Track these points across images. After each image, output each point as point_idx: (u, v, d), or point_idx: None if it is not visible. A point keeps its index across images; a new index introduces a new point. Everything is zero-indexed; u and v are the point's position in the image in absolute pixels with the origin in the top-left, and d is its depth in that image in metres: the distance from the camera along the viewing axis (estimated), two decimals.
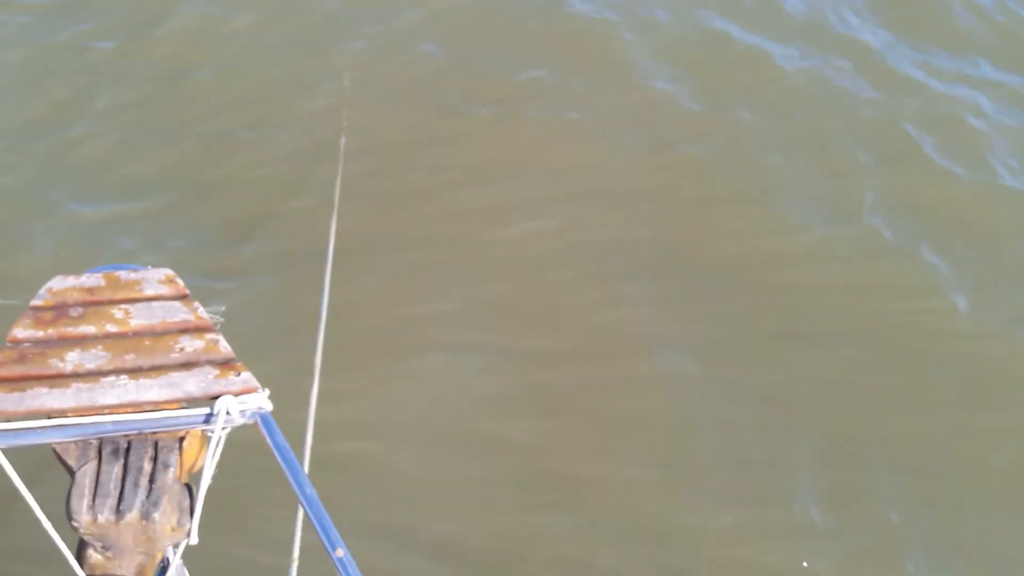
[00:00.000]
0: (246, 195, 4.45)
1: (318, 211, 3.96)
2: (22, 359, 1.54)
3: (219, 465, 1.51)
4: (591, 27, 5.21)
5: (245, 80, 5.04)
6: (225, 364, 1.56)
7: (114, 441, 1.50)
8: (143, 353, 1.56)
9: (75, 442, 1.49)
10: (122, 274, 1.67)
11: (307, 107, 4.89)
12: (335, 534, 1.41)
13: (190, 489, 1.51)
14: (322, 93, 4.91)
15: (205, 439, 1.55)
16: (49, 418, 1.49)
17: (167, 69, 5.08)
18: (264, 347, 3.72)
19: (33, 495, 1.47)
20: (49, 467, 1.55)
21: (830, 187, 4.38)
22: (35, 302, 1.62)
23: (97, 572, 1.50)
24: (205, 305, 1.63)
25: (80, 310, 1.61)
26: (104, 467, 1.47)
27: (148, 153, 4.62)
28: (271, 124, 4.78)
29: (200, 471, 1.52)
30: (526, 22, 5.30)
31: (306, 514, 1.47)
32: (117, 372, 1.53)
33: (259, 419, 1.51)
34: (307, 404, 2.33)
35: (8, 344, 1.56)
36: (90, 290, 1.64)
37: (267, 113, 4.85)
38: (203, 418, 1.50)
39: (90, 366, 1.54)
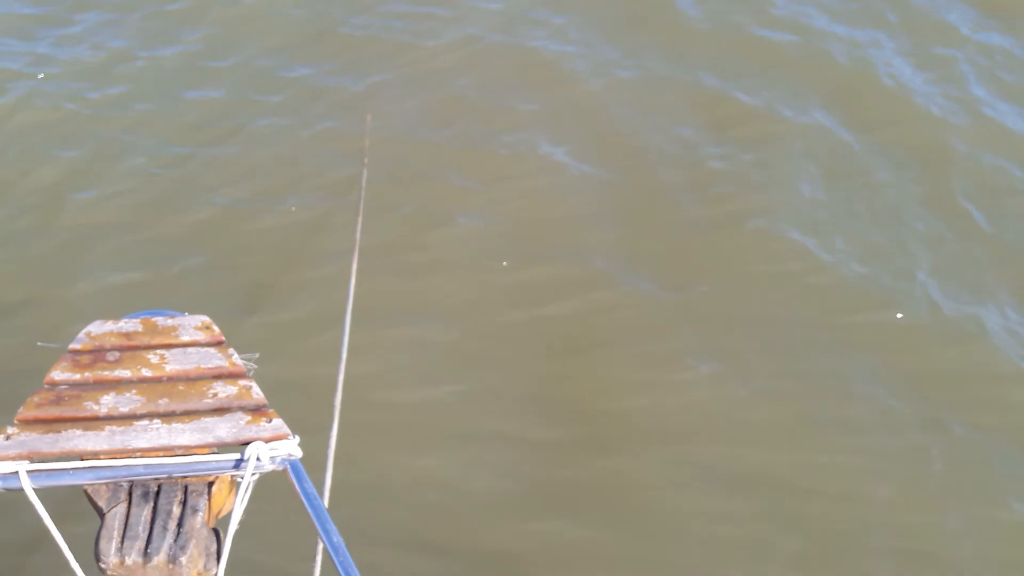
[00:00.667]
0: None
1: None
2: (58, 401, 1.57)
3: (246, 510, 1.53)
4: None
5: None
6: (257, 410, 1.59)
7: (144, 484, 1.53)
8: (176, 398, 1.59)
9: (106, 484, 1.52)
10: (159, 320, 1.71)
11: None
12: None
13: (218, 534, 1.53)
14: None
15: (234, 484, 1.57)
16: (82, 459, 1.52)
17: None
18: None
19: (62, 535, 1.50)
20: (79, 507, 1.57)
21: None
22: (74, 345, 1.66)
23: None
24: (240, 352, 1.66)
25: (117, 354, 1.65)
26: (134, 509, 1.50)
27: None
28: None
29: (228, 516, 1.54)
30: None
31: (329, 561, 1.48)
32: (150, 416, 1.57)
33: (288, 466, 1.54)
34: (327, 447, 2.35)
35: (45, 386, 1.60)
36: (128, 335, 1.69)
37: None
38: (233, 463, 1.53)
39: (124, 409, 1.57)
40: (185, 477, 1.53)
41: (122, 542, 1.46)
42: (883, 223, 4.36)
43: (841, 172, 4.63)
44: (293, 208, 4.55)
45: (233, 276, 4.22)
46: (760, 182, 4.58)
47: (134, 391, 1.60)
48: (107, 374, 1.62)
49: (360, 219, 3.83)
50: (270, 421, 1.57)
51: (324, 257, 4.28)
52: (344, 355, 2.83)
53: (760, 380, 3.76)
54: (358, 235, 3.71)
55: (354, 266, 3.37)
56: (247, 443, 1.54)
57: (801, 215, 4.40)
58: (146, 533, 1.47)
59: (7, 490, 1.48)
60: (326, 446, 2.34)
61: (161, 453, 1.53)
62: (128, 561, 1.45)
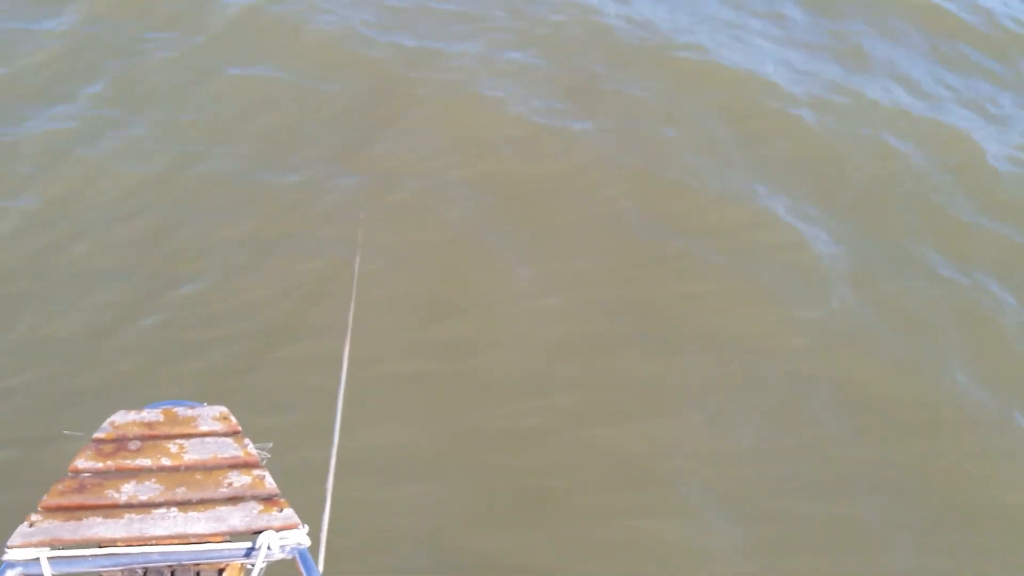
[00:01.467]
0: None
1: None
2: (81, 489, 1.66)
3: None
4: None
5: None
6: (269, 500, 1.68)
7: (159, 570, 1.60)
8: (193, 487, 1.68)
9: (122, 570, 1.60)
10: (180, 410, 1.81)
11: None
12: None
13: None
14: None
15: (244, 570, 1.65)
16: (100, 546, 1.60)
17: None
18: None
19: None
20: None
21: None
22: (98, 434, 1.76)
23: None
24: (254, 441, 1.76)
25: (138, 443, 1.74)
26: None
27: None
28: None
29: None
30: None
31: None
32: (168, 504, 1.65)
33: (297, 555, 1.62)
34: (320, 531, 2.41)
35: (69, 474, 1.69)
36: (149, 424, 1.78)
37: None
38: (244, 552, 1.61)
39: (143, 498, 1.66)
40: (198, 564, 1.61)
41: None
42: None
43: None
44: None
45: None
46: None
47: (153, 480, 1.69)
48: (128, 463, 1.71)
49: (353, 304, 3.93)
50: (281, 511, 1.66)
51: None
52: (336, 440, 2.91)
53: None
54: (351, 319, 3.82)
55: (346, 351, 3.46)
56: (259, 532, 1.63)
57: None
58: None
59: None
60: (319, 529, 2.40)
61: (177, 541, 1.61)
62: None
